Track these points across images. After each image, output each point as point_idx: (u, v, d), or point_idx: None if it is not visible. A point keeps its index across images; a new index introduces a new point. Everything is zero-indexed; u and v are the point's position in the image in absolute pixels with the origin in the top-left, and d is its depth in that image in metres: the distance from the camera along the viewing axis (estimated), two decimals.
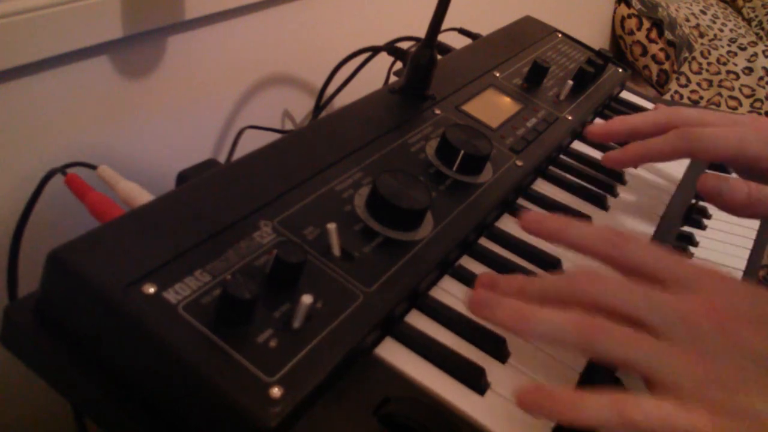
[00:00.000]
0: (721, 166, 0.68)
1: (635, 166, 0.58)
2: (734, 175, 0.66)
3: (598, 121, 0.69)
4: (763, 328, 0.33)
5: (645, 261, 0.37)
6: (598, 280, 0.36)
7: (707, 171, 0.52)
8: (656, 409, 0.32)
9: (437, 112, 0.53)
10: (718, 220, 0.62)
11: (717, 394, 0.32)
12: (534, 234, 0.42)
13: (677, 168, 0.65)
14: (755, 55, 1.80)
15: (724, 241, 0.59)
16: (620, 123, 0.55)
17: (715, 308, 0.34)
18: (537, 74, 0.63)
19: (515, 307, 0.36)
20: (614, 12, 1.95)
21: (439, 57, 0.53)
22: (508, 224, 0.49)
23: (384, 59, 0.69)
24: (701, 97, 1.79)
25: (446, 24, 0.51)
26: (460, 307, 0.41)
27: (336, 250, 0.37)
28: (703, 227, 0.61)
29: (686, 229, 0.60)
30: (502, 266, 0.45)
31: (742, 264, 0.57)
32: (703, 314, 0.34)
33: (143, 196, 0.42)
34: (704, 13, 1.99)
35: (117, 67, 0.55)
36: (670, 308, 0.34)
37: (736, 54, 1.82)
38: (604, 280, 0.36)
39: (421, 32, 0.52)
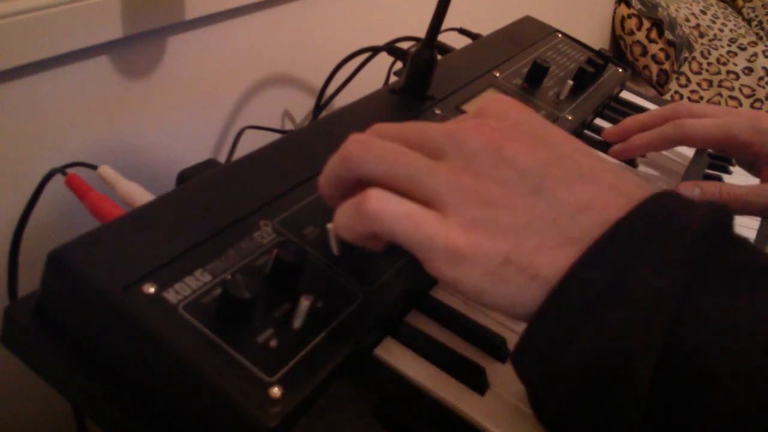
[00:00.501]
0: (725, 161, 0.68)
1: (640, 155, 0.63)
2: (736, 169, 0.67)
3: (603, 123, 0.69)
4: (536, 146, 0.31)
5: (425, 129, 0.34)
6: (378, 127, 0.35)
7: (682, 182, 0.56)
8: (407, 208, 0.30)
9: (437, 112, 0.53)
10: None
11: (478, 209, 0.30)
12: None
13: (680, 163, 0.65)
14: (755, 55, 1.80)
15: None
16: (632, 121, 0.61)
17: (492, 127, 0.31)
18: (537, 74, 0.63)
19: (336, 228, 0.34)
20: (614, 12, 1.95)
21: (439, 57, 0.53)
22: None
23: (384, 59, 0.69)
24: (701, 97, 1.80)
25: (446, 24, 0.51)
26: (460, 307, 0.41)
27: (336, 250, 0.37)
28: None
29: None
30: None
31: (752, 234, 0.58)
32: (475, 132, 0.31)
33: (143, 196, 0.42)
34: (704, 13, 2.00)
35: (117, 67, 0.55)
36: (441, 130, 0.32)
37: (736, 54, 1.82)
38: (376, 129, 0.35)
39: (421, 32, 0.52)
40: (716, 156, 0.68)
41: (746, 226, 0.61)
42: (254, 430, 0.29)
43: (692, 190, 0.53)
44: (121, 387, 0.32)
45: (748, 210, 0.53)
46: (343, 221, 0.32)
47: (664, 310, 0.26)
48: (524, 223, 0.29)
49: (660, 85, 1.90)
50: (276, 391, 0.30)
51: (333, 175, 0.33)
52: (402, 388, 0.35)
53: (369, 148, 0.32)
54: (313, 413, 0.32)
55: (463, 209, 0.29)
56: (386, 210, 0.30)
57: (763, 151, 0.53)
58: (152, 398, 0.31)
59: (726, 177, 0.67)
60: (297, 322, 0.33)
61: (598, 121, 0.69)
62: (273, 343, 0.32)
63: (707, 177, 0.65)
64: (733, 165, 0.69)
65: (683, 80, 1.82)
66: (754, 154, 0.54)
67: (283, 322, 0.33)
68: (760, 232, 0.61)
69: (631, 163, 0.63)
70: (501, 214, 0.29)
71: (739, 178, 0.66)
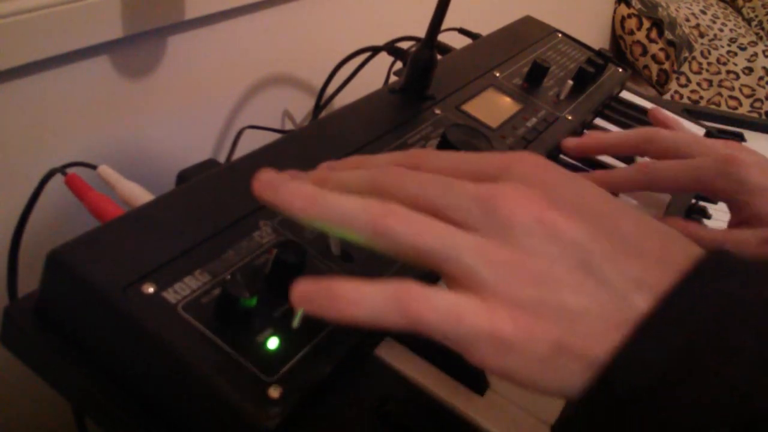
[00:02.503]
0: None
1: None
2: None
3: (582, 134, 0.69)
4: (578, 216, 0.28)
5: (449, 166, 0.32)
6: (401, 173, 0.31)
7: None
8: (447, 303, 0.27)
9: (437, 112, 0.53)
10: (718, 220, 0.62)
11: (524, 289, 0.27)
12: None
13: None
14: (755, 55, 1.80)
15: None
16: (595, 140, 0.56)
17: (530, 195, 0.29)
18: (537, 74, 0.63)
19: (304, 191, 0.30)
20: (614, 12, 1.95)
21: (439, 57, 0.53)
22: None
23: (384, 59, 0.69)
24: (701, 97, 1.80)
25: (446, 24, 0.51)
26: None
27: (336, 250, 0.37)
28: None
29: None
30: None
31: None
32: (515, 201, 0.29)
33: (143, 196, 0.42)
34: (704, 13, 2.00)
35: (117, 67, 0.55)
36: (476, 196, 0.29)
37: (736, 54, 1.82)
38: (410, 173, 0.31)
39: (421, 32, 0.52)
40: None
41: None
42: (253, 431, 0.29)
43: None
44: (121, 387, 0.32)
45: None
46: (377, 319, 0.28)
47: (733, 400, 0.24)
48: (573, 303, 0.27)
49: (660, 85, 1.90)
50: (275, 391, 0.30)
51: (353, 225, 0.30)
52: (402, 388, 0.35)
53: (399, 217, 0.29)
54: (313, 413, 0.32)
55: (506, 290, 0.27)
56: (430, 310, 0.27)
57: (733, 198, 0.50)
58: (152, 398, 0.31)
59: (711, 206, 0.66)
60: (297, 322, 0.33)
61: (598, 121, 0.69)
62: (272, 343, 0.32)
63: (691, 207, 0.63)
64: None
65: (683, 80, 1.82)
66: (725, 200, 0.51)
67: (283, 322, 0.33)
68: None
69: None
70: (548, 295, 0.27)
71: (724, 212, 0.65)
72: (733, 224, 0.51)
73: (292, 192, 0.30)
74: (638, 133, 0.54)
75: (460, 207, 0.29)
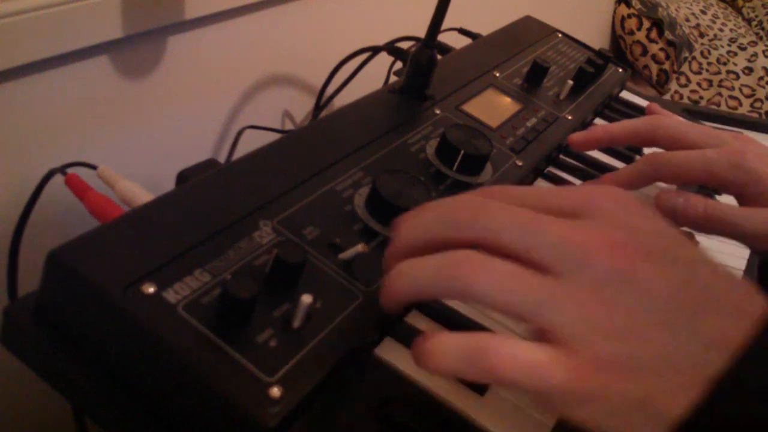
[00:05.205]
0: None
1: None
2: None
3: (588, 127, 0.69)
4: (666, 267, 0.28)
5: (531, 200, 0.31)
6: (476, 204, 0.30)
7: (663, 190, 0.51)
8: (525, 357, 0.27)
9: (437, 112, 0.53)
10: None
11: (605, 346, 0.27)
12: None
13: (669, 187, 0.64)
14: (755, 55, 1.80)
15: (723, 241, 0.59)
16: (602, 131, 0.55)
17: (615, 242, 0.28)
18: (537, 74, 0.63)
19: (385, 284, 0.31)
20: (614, 12, 1.95)
21: (439, 57, 0.53)
22: None
23: (384, 59, 0.69)
24: (701, 97, 1.79)
25: (446, 24, 0.51)
26: (460, 307, 0.41)
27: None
28: None
29: (686, 228, 0.59)
30: None
31: (742, 264, 0.56)
32: (600, 247, 0.28)
33: (143, 196, 0.42)
34: (704, 13, 1.99)
35: (117, 67, 0.55)
36: (561, 238, 0.28)
37: (736, 54, 1.82)
38: (486, 205, 0.30)
39: (421, 32, 0.52)
40: None
41: (736, 255, 0.59)
42: (254, 430, 0.29)
43: (675, 199, 0.48)
44: (120, 387, 0.32)
45: (731, 233, 0.47)
46: (455, 371, 0.28)
47: None
48: (651, 360, 0.26)
49: (660, 85, 1.90)
50: (275, 391, 0.30)
51: (427, 289, 0.30)
52: (402, 387, 0.35)
53: (483, 265, 0.28)
54: (313, 413, 0.32)
55: (589, 346, 0.27)
56: (508, 366, 0.27)
57: (746, 191, 0.48)
58: (152, 398, 0.31)
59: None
60: (297, 322, 0.33)
61: (598, 121, 0.69)
62: (273, 342, 0.32)
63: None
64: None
65: (683, 80, 1.82)
66: (735, 193, 0.50)
67: (283, 321, 0.33)
68: (749, 261, 0.59)
69: None
70: (632, 351, 0.26)
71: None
72: None
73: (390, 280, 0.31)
74: (644, 121, 0.54)
75: (544, 250, 0.28)
